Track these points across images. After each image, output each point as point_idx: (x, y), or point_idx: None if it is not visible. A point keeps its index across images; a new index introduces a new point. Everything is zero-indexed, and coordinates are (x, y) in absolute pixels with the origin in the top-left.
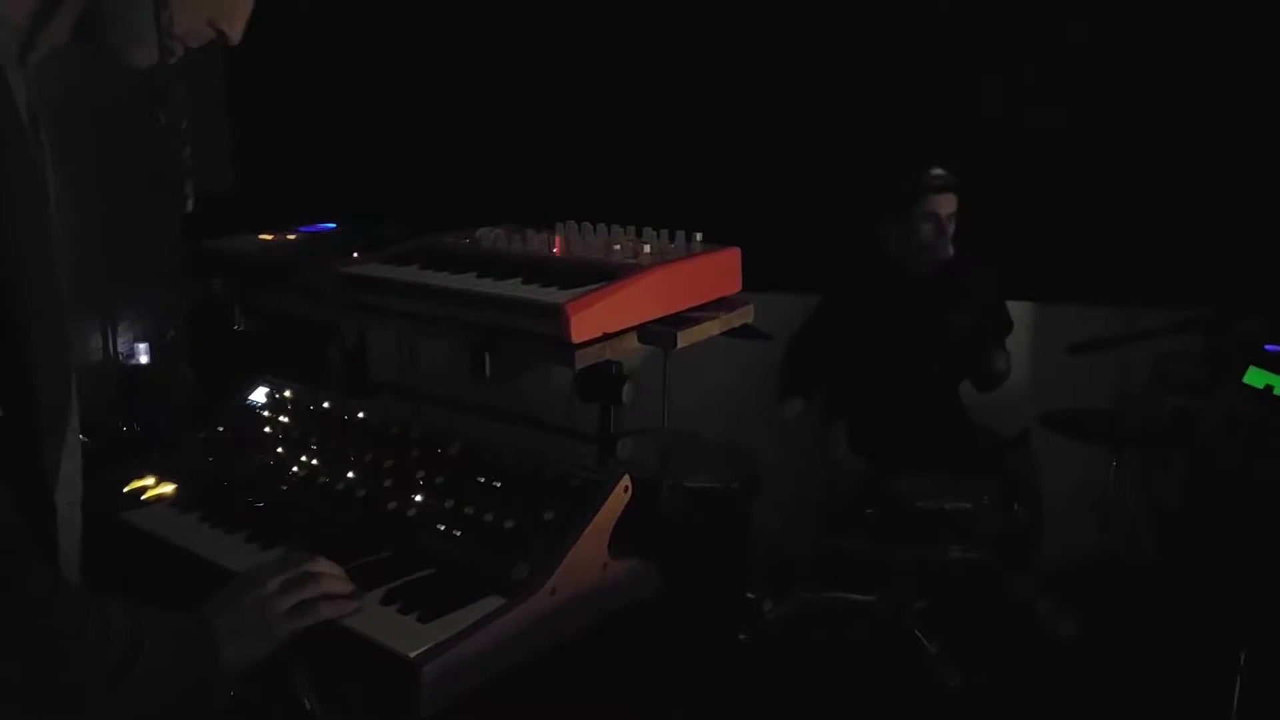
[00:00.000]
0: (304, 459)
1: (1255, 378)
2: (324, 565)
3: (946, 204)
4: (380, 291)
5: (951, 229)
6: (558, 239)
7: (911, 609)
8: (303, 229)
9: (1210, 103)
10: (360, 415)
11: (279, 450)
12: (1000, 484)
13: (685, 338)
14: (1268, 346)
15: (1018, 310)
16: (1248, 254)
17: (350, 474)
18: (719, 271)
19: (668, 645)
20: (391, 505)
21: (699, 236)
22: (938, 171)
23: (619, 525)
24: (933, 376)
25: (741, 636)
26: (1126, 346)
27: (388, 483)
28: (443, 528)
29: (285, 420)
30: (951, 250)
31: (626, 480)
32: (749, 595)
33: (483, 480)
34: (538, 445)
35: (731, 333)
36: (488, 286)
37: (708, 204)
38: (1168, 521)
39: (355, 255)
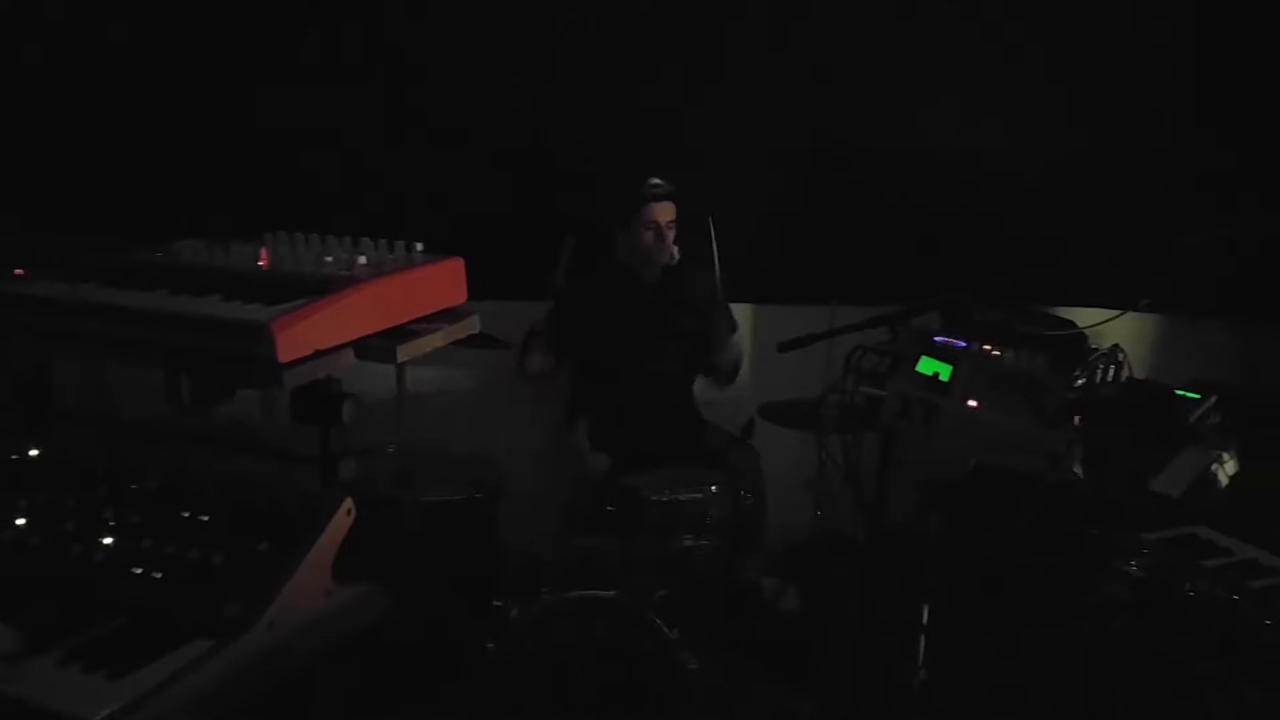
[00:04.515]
0: None
1: (925, 366)
2: None
3: (665, 212)
4: (52, 313)
5: (672, 235)
6: (265, 251)
7: (651, 599)
8: None
9: (900, 125)
10: (32, 452)
11: None
12: (727, 474)
13: (406, 351)
14: (936, 338)
15: (739, 311)
16: (923, 258)
17: (20, 520)
18: (442, 282)
19: (410, 664)
20: (74, 551)
21: (419, 247)
22: (655, 181)
23: (353, 548)
24: (664, 375)
25: (489, 645)
26: (828, 342)
27: (68, 526)
28: (139, 571)
29: None
30: (676, 255)
31: (349, 503)
32: (496, 603)
33: (186, 515)
34: (254, 472)
35: (466, 342)
36: (182, 305)
37: (431, 214)
38: (864, 496)
39: (18, 272)
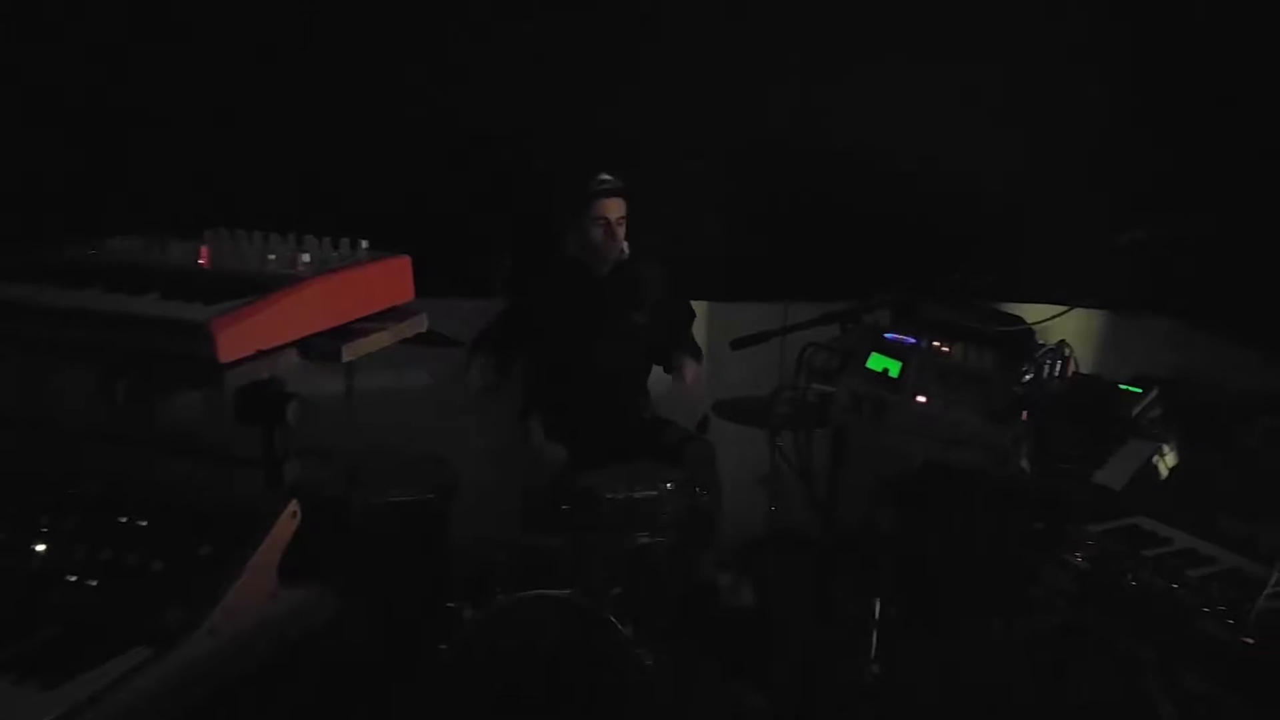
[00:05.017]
0: None
1: (875, 362)
2: None
3: (615, 208)
4: None
5: (622, 231)
6: (205, 249)
7: (606, 597)
8: None
9: (853, 125)
10: None
11: None
12: (683, 471)
13: (351, 351)
14: (886, 335)
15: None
16: (874, 255)
17: None
18: (388, 280)
19: (362, 667)
20: (5, 560)
21: (365, 244)
22: (604, 177)
23: (302, 551)
24: (617, 370)
25: (442, 646)
26: (781, 340)
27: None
28: (74, 579)
29: None
30: (626, 250)
31: (294, 505)
32: (449, 604)
33: (125, 520)
34: (197, 475)
35: (415, 341)
36: (117, 304)
37: (378, 211)
38: (816, 493)
39: None
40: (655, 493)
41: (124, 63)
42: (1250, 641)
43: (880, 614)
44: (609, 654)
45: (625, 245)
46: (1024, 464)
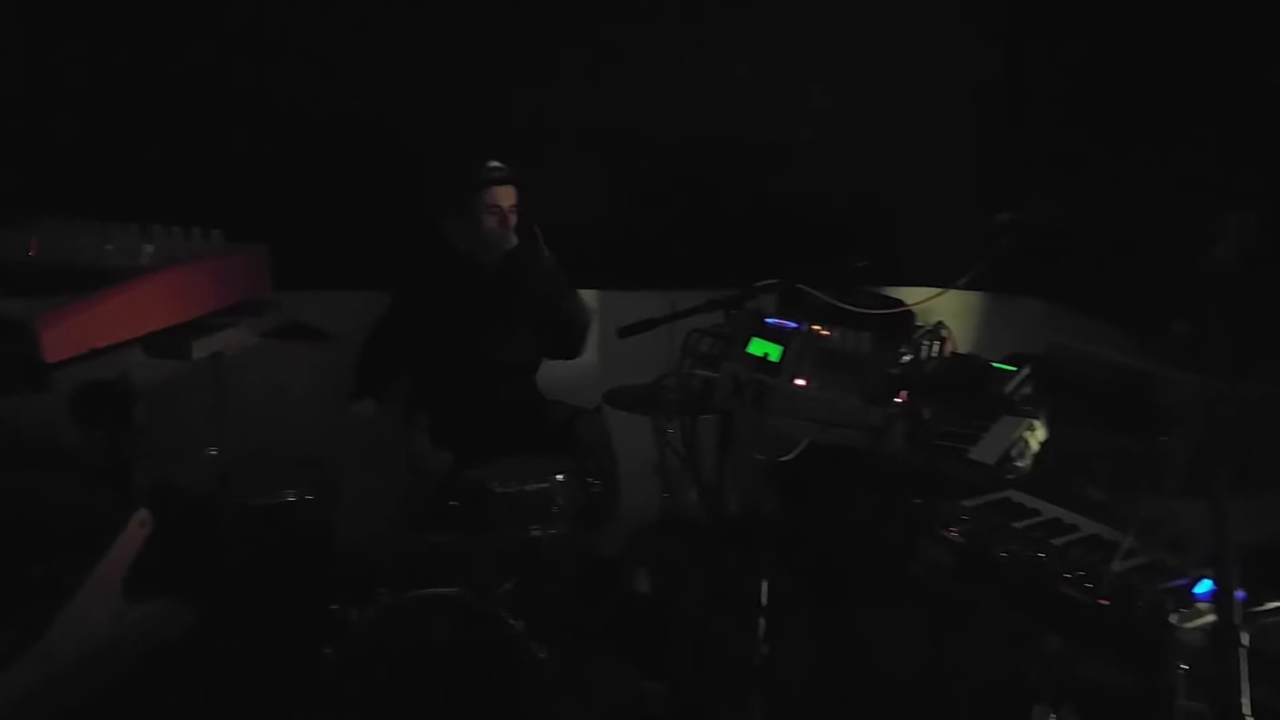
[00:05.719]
0: None
1: (756, 347)
2: None
3: (507, 196)
4: None
5: (514, 220)
6: (34, 239)
7: (497, 593)
8: None
9: (732, 112)
10: None
11: None
12: (575, 460)
13: (203, 346)
14: (768, 320)
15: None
16: (761, 242)
17: None
18: (243, 272)
19: (238, 677)
20: None
21: (217, 233)
22: (496, 164)
23: (169, 559)
24: (508, 362)
25: (327, 650)
26: (670, 327)
27: None
28: None
29: None
30: (515, 240)
31: (144, 514)
32: (333, 607)
33: None
34: (32, 485)
35: (285, 335)
36: None
37: (240, 199)
38: (702, 479)
39: None
40: (546, 485)
41: None
42: (1106, 603)
43: (767, 596)
44: (501, 650)
45: (514, 235)
46: (901, 442)
